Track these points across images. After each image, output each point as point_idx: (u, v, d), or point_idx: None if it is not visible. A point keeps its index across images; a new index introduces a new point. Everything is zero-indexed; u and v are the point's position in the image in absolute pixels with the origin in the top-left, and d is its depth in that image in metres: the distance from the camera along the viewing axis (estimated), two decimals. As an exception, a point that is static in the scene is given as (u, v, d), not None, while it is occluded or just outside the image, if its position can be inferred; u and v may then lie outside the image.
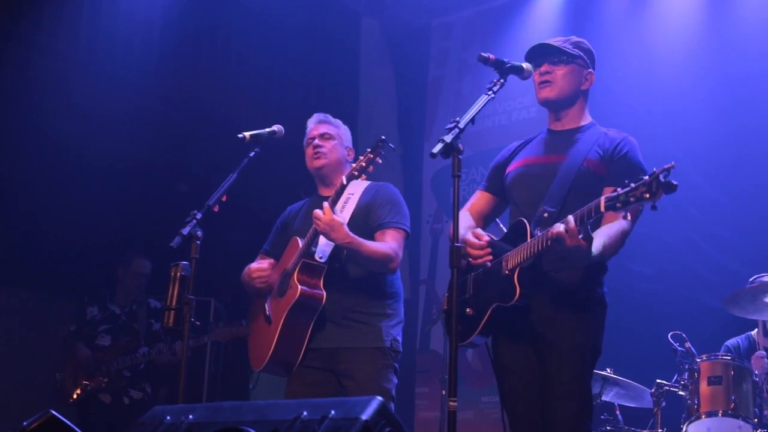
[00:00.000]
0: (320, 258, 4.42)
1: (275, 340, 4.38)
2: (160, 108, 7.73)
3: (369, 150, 4.25)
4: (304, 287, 4.34)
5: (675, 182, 3.03)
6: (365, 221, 4.48)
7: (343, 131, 4.80)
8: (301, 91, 8.24)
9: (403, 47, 9.11)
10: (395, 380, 4.45)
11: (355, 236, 4.27)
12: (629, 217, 3.22)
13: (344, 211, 4.46)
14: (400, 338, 4.50)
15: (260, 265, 4.60)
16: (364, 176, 4.28)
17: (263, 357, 4.46)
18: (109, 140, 7.23)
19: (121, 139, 7.31)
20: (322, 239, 4.42)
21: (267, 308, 4.57)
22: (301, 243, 4.45)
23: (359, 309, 4.42)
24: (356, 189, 4.57)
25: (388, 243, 4.40)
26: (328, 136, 4.70)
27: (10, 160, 7.06)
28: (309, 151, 4.72)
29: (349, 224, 4.32)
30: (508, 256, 3.65)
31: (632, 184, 3.12)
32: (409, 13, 8.95)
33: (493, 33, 8.40)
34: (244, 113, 7.52)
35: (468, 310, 3.76)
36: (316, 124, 4.77)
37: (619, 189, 3.18)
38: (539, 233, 3.54)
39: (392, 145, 4.34)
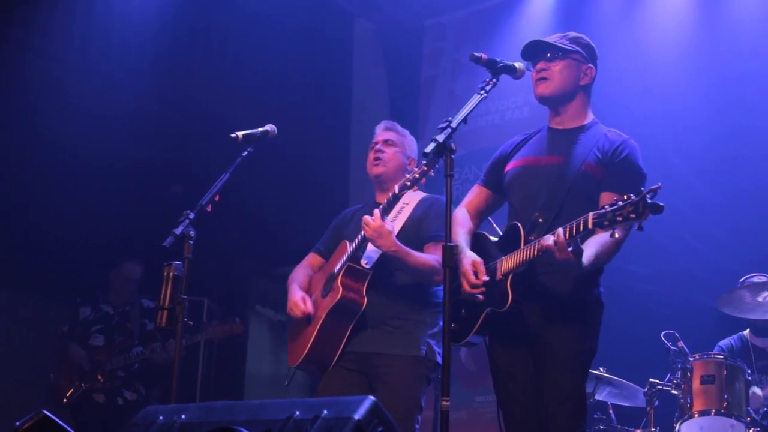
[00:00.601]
0: (366, 264, 4.44)
1: (312, 339, 4.42)
2: (155, 108, 7.73)
3: (424, 162, 4.27)
4: (346, 291, 4.37)
5: (661, 204, 3.06)
6: (416, 233, 4.50)
7: (408, 141, 4.83)
8: (294, 91, 8.24)
9: (397, 47, 9.10)
10: (425, 392, 4.45)
11: (402, 245, 4.30)
12: (617, 235, 3.21)
13: (397, 220, 4.51)
14: (438, 349, 4.47)
15: (301, 305, 4.55)
16: (416, 187, 4.28)
17: (299, 354, 4.50)
18: (104, 140, 7.23)
19: (116, 140, 7.31)
20: (370, 245, 4.44)
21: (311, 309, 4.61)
22: (350, 247, 4.48)
23: (400, 316, 4.44)
24: (411, 200, 4.60)
25: (435, 256, 4.39)
26: (391, 143, 4.74)
27: (5, 160, 7.06)
28: (370, 156, 4.77)
29: (400, 234, 4.38)
30: (501, 261, 3.66)
31: (619, 203, 3.14)
32: (403, 14, 8.95)
33: (486, 33, 8.39)
34: (237, 113, 7.52)
35: (463, 310, 3.77)
36: (382, 131, 4.82)
37: (607, 206, 3.19)
38: (533, 239, 3.54)
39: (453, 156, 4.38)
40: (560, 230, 3.35)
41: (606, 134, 3.85)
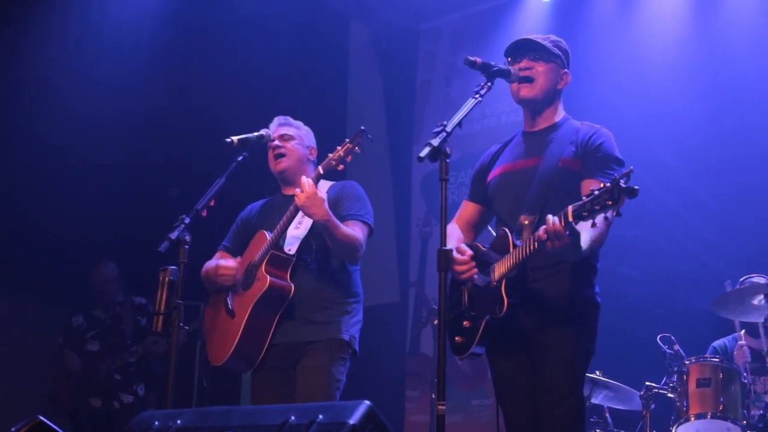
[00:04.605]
0: (289, 250, 4.44)
1: (240, 333, 4.37)
2: (150, 111, 7.74)
3: (348, 140, 4.29)
4: (273, 278, 4.34)
5: (636, 187, 3.03)
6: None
7: (305, 132, 4.81)
8: (289, 95, 8.23)
9: (392, 51, 9.10)
10: (344, 374, 4.42)
11: (333, 216, 4.28)
12: (597, 225, 3.20)
13: None
14: (358, 337, 4.50)
15: (227, 263, 4.58)
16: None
17: (225, 352, 4.44)
18: (99, 143, 7.24)
19: (112, 142, 7.32)
20: (290, 232, 4.46)
21: (230, 302, 4.54)
22: (269, 236, 4.45)
23: (323, 305, 4.43)
24: (321, 188, 4.55)
25: (356, 232, 4.41)
26: (288, 137, 4.70)
27: (1, 162, 7.06)
28: (270, 154, 4.72)
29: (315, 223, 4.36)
30: (494, 267, 3.65)
31: (595, 192, 3.12)
32: (398, 17, 8.94)
33: (482, 36, 8.40)
34: (232, 116, 7.51)
35: (465, 322, 3.76)
36: (276, 127, 4.77)
37: (584, 197, 3.18)
38: (519, 243, 3.54)
39: (371, 137, 4.34)
40: (553, 218, 3.32)
41: (578, 128, 3.86)
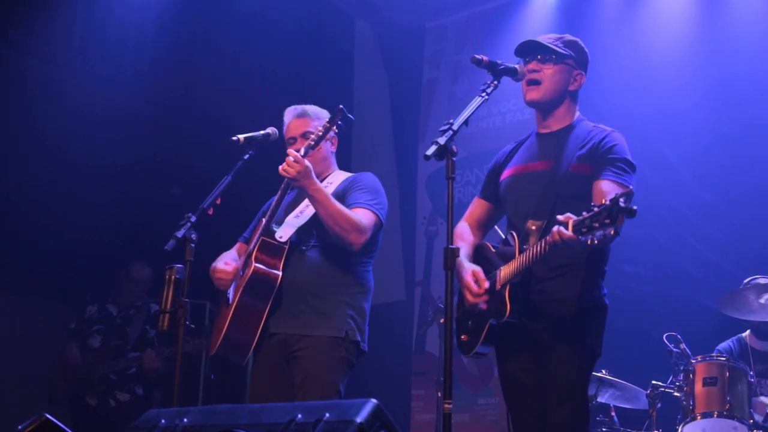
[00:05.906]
0: (280, 237, 4.33)
1: (229, 319, 4.25)
2: (154, 110, 7.73)
3: (326, 120, 4.24)
4: (259, 265, 4.24)
5: (634, 207, 2.95)
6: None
7: (321, 119, 4.55)
8: (295, 94, 8.22)
9: (397, 49, 9.11)
10: (343, 372, 4.28)
11: (324, 189, 4.20)
12: (596, 242, 3.07)
13: None
14: (362, 330, 4.36)
15: (225, 267, 4.46)
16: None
17: (218, 338, 4.32)
18: (103, 143, 7.23)
19: (116, 142, 7.31)
20: (288, 219, 4.39)
21: (229, 291, 4.44)
22: (264, 222, 4.40)
23: (320, 295, 4.29)
24: (336, 179, 4.51)
25: (358, 215, 4.26)
26: (309, 134, 4.45)
27: (6, 162, 7.06)
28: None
29: None
30: (500, 270, 3.65)
31: (595, 209, 3.05)
32: (403, 16, 8.95)
33: (487, 35, 8.40)
34: (238, 116, 7.51)
35: (470, 322, 3.76)
36: (294, 119, 4.61)
37: (585, 213, 3.10)
38: (526, 248, 3.53)
39: (351, 116, 4.27)
40: (560, 228, 3.21)
41: (590, 131, 3.83)
